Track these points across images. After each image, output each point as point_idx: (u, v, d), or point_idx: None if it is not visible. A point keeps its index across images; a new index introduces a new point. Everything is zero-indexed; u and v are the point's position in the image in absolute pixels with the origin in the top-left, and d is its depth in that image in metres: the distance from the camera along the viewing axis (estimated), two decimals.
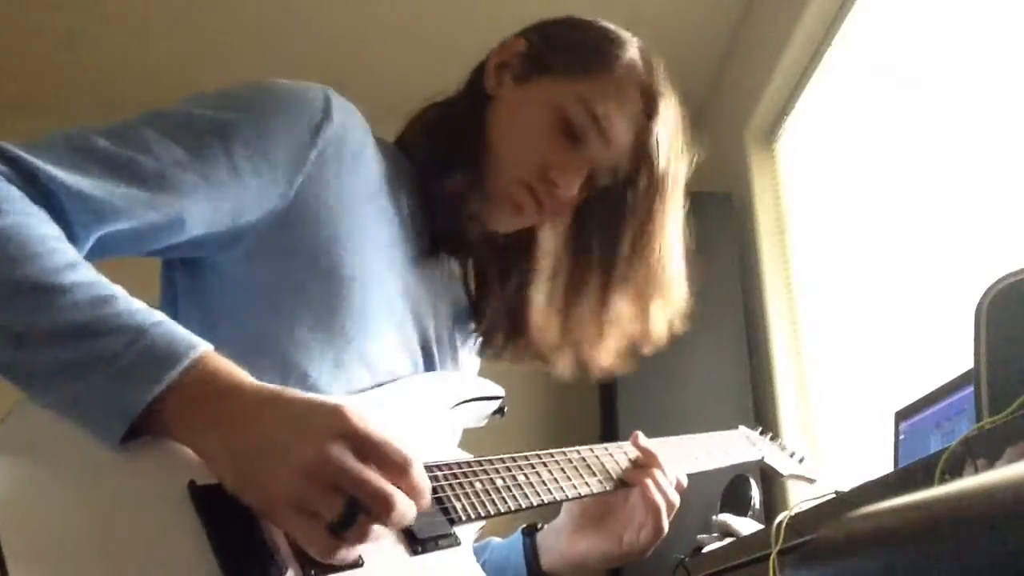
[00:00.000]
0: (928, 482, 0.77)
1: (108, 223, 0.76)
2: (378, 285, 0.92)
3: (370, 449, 0.67)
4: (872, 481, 0.96)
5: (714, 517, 1.76)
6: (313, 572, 0.68)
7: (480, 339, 1.12)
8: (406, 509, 0.67)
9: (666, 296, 1.05)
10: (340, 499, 0.64)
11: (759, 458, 1.33)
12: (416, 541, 0.78)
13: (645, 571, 1.97)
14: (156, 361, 0.66)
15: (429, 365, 1.00)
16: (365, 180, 0.93)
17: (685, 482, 1.07)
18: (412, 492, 0.68)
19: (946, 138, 1.91)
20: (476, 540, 0.94)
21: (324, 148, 0.88)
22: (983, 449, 0.73)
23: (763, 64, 2.61)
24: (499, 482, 0.89)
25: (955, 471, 0.75)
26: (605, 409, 2.58)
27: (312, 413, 0.67)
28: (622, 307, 1.04)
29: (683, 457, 1.13)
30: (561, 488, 0.95)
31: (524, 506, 0.89)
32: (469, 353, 1.15)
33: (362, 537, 0.66)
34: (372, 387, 0.91)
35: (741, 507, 1.84)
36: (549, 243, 1.08)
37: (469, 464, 0.89)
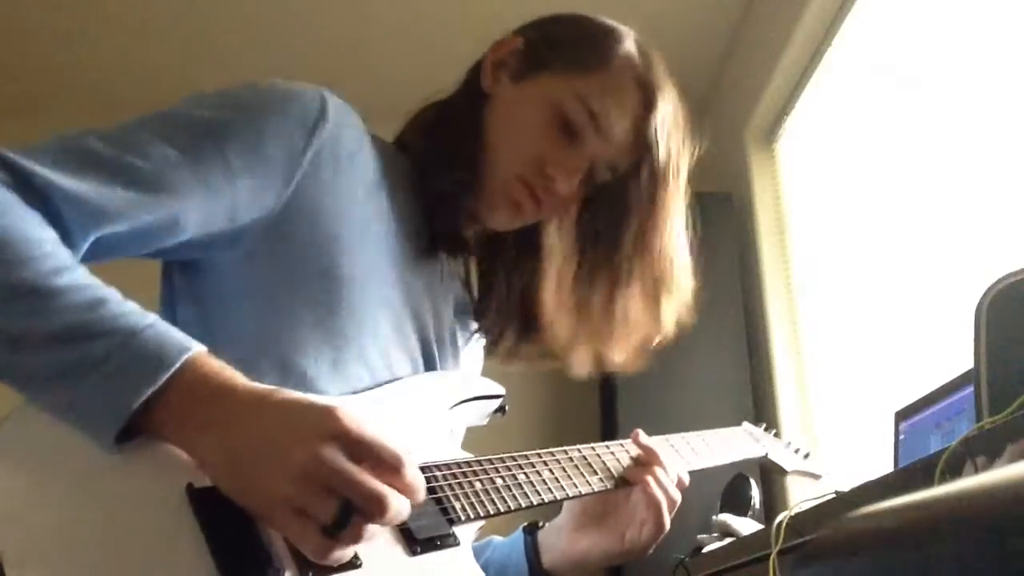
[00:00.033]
0: (928, 482, 0.77)
1: (104, 226, 0.77)
2: (376, 285, 0.93)
3: (363, 450, 0.67)
4: (872, 481, 0.96)
5: (714, 517, 1.76)
6: (310, 573, 0.68)
7: (489, 339, 1.12)
8: (400, 508, 0.67)
9: (674, 286, 1.05)
10: (334, 501, 0.64)
11: (763, 454, 1.32)
12: (415, 542, 0.78)
13: (645, 571, 1.97)
14: (147, 363, 0.67)
15: (429, 365, 1.00)
16: (362, 180, 0.93)
17: (687, 479, 1.07)
18: (406, 490, 0.68)
19: (946, 138, 1.91)
20: (476, 539, 0.94)
21: (319, 148, 0.88)
22: (983, 447, 0.73)
23: (763, 64, 2.61)
24: (499, 481, 0.89)
25: (955, 471, 0.75)
26: (605, 410, 2.58)
27: (304, 414, 0.67)
28: (631, 300, 1.03)
29: (685, 454, 1.13)
30: (562, 487, 0.95)
31: (524, 505, 0.89)
32: (472, 352, 1.15)
33: (357, 537, 0.67)
34: (371, 387, 0.91)
35: (741, 507, 1.84)
36: (556, 240, 1.08)
37: (469, 464, 0.89)
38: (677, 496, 1.03)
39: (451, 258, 1.07)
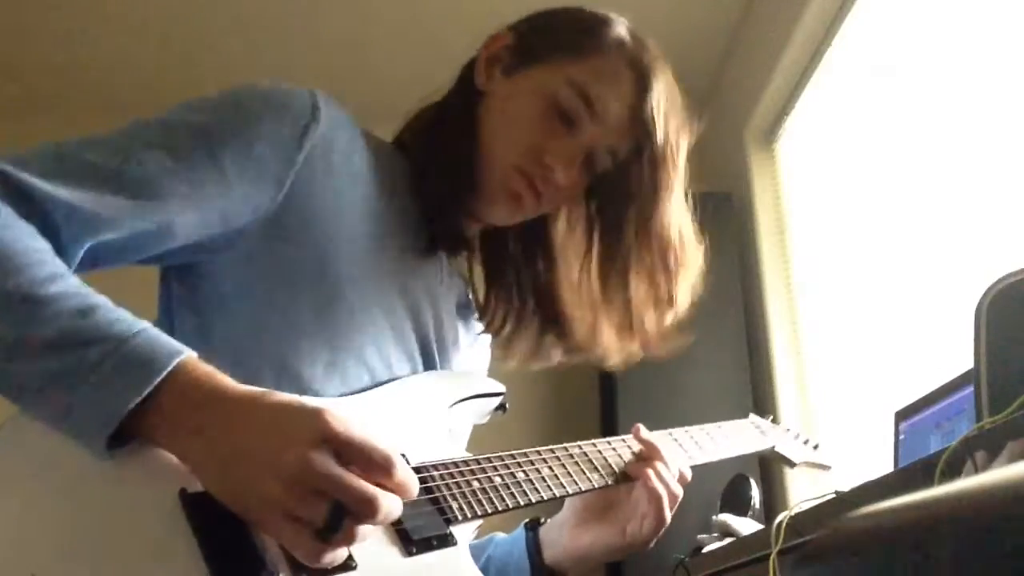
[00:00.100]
0: (928, 482, 0.77)
1: (97, 234, 0.77)
2: (373, 285, 0.93)
3: (353, 452, 0.67)
4: (872, 481, 0.96)
5: (714, 517, 1.76)
6: None
7: (502, 338, 1.12)
8: (391, 508, 0.67)
9: (684, 261, 1.05)
10: (325, 504, 0.65)
11: (770, 447, 1.29)
12: (411, 542, 0.77)
13: (645, 570, 1.97)
14: (137, 369, 0.67)
15: (428, 364, 1.00)
16: (356, 181, 0.93)
17: (689, 474, 1.06)
18: (397, 490, 0.68)
19: (946, 138, 1.91)
20: (475, 538, 0.94)
21: (312, 150, 0.89)
22: (983, 445, 0.73)
23: (763, 64, 2.61)
24: (497, 480, 0.89)
25: (955, 471, 0.75)
26: (605, 411, 2.58)
27: (293, 418, 0.67)
28: (643, 284, 1.03)
29: (688, 448, 1.12)
30: (562, 484, 0.95)
31: (523, 503, 0.89)
32: (478, 352, 1.15)
33: (350, 539, 0.67)
34: (370, 387, 0.91)
35: (741, 507, 1.84)
36: (565, 232, 1.09)
37: (467, 463, 0.89)
38: (678, 491, 1.02)
39: (451, 257, 1.07)
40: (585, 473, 0.98)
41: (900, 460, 1.46)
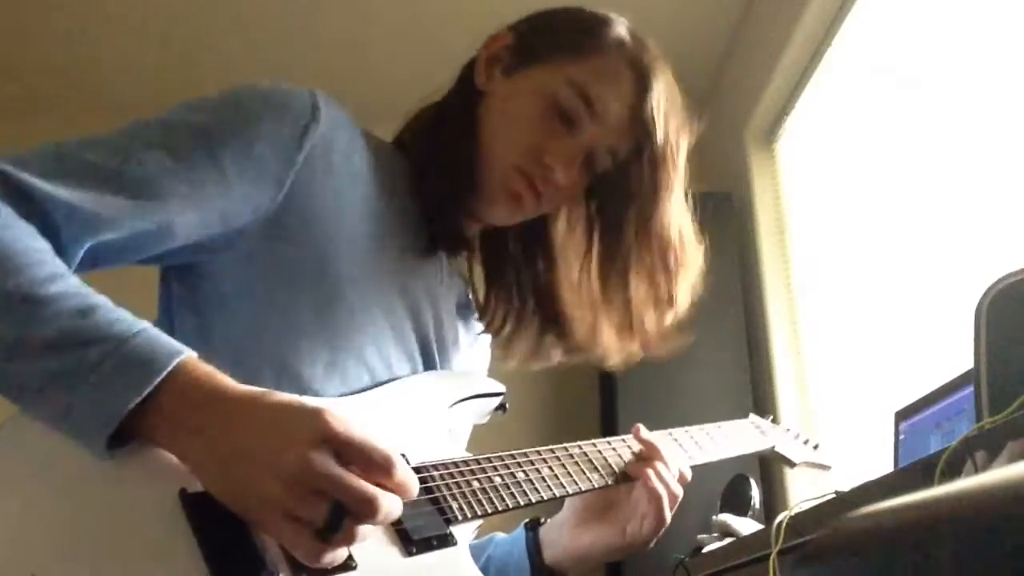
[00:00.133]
0: (928, 482, 0.77)
1: (97, 234, 0.77)
2: (373, 285, 0.93)
3: (352, 452, 0.67)
4: (872, 481, 0.96)
5: (714, 517, 1.76)
6: None
7: (503, 338, 1.12)
8: (391, 507, 0.67)
9: (683, 265, 1.05)
10: (325, 504, 0.65)
11: (770, 447, 1.29)
12: (411, 542, 0.77)
13: (645, 571, 1.97)
14: (137, 369, 0.67)
15: (428, 364, 1.00)
16: (356, 181, 0.93)
17: (689, 474, 1.06)
18: (397, 489, 0.69)
19: (946, 138, 1.91)
20: (475, 538, 0.94)
21: (311, 150, 0.89)
22: (983, 445, 0.73)
23: (763, 64, 2.61)
24: (497, 480, 0.89)
25: (955, 471, 0.75)
26: (605, 412, 2.58)
27: (293, 418, 0.67)
28: (643, 284, 1.04)
29: (688, 448, 1.12)
30: (561, 484, 0.95)
31: (523, 503, 0.89)
32: (478, 352, 1.15)
33: (350, 539, 0.67)
34: (369, 387, 0.91)
35: (741, 507, 1.84)
36: (565, 232, 1.09)
37: (467, 463, 0.89)
38: (678, 491, 1.02)
39: (451, 257, 1.07)
40: (585, 473, 0.98)
41: (900, 460, 1.46)
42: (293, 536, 0.66)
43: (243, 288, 0.88)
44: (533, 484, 0.92)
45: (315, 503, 0.65)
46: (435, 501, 0.82)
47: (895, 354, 2.01)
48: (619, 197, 1.02)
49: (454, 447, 0.94)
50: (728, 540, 1.56)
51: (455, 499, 0.84)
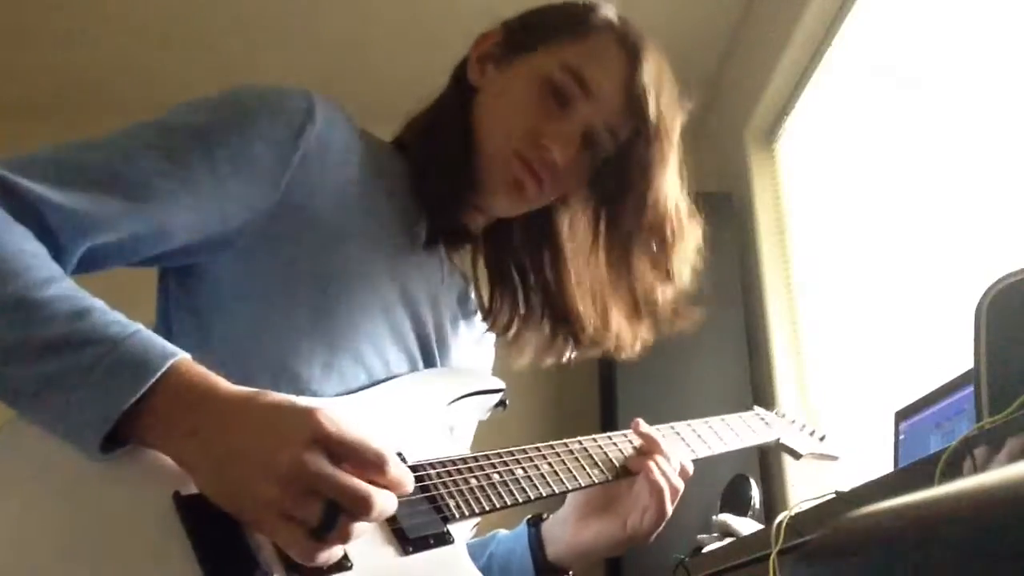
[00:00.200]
0: (928, 482, 0.77)
1: (93, 236, 0.77)
2: (371, 285, 0.93)
3: (345, 451, 0.67)
4: (872, 481, 0.96)
5: (714, 517, 1.76)
6: None
7: (511, 335, 1.12)
8: (385, 504, 0.68)
9: (681, 237, 1.05)
10: (319, 503, 0.65)
11: (775, 439, 1.29)
12: (407, 541, 0.77)
13: (645, 570, 1.97)
14: (131, 371, 0.67)
15: (428, 362, 1.00)
16: (353, 179, 0.94)
17: (691, 468, 1.06)
18: (391, 487, 0.69)
19: (946, 138, 1.91)
20: (474, 535, 0.94)
21: (307, 150, 0.89)
22: (983, 443, 0.73)
23: (763, 64, 2.61)
24: (495, 477, 0.89)
25: (955, 471, 0.75)
26: (605, 411, 2.58)
27: (286, 418, 0.68)
28: (645, 261, 1.04)
29: (691, 442, 1.12)
30: (561, 480, 0.94)
31: (521, 500, 0.89)
32: (482, 349, 1.15)
33: (345, 537, 0.67)
34: (367, 386, 0.91)
35: (741, 507, 1.84)
36: (569, 224, 1.09)
37: (464, 461, 0.89)
38: (679, 484, 1.02)
39: (452, 253, 1.07)
40: (585, 469, 0.98)
41: (900, 460, 1.46)
42: (288, 536, 0.66)
43: (241, 289, 0.88)
44: (532, 481, 0.91)
45: (309, 502, 0.65)
46: (432, 499, 0.82)
47: (895, 354, 2.01)
48: (618, 177, 1.03)
49: (454, 445, 0.94)
50: (728, 540, 1.56)
51: (452, 497, 0.84)
